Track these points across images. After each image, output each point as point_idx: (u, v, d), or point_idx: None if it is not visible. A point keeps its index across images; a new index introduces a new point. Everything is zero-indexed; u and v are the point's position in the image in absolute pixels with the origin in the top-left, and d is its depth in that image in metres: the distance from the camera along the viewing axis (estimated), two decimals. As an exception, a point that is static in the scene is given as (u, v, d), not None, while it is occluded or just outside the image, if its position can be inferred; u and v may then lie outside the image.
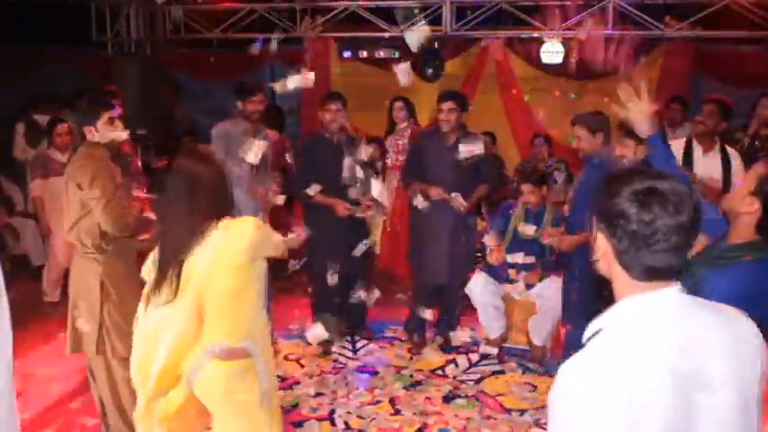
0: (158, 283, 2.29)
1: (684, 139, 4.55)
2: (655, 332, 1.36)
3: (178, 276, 2.26)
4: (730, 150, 4.49)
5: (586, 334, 1.42)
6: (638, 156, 3.37)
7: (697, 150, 4.44)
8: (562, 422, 1.35)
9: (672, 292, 1.39)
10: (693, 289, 1.81)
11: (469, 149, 4.53)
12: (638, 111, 2.61)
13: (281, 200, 4.75)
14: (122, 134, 3.38)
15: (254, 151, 4.32)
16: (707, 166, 4.34)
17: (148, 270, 2.42)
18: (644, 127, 2.63)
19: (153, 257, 2.39)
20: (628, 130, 3.40)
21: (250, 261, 2.32)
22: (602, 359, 1.35)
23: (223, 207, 2.34)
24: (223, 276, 2.26)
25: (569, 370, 1.36)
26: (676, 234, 1.34)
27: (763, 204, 1.98)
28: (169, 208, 2.33)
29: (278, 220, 5.93)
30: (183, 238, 2.26)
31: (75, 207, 3.25)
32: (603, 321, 1.41)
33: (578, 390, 1.32)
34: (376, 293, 4.82)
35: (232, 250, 2.25)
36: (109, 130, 3.28)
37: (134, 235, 3.35)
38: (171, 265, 2.26)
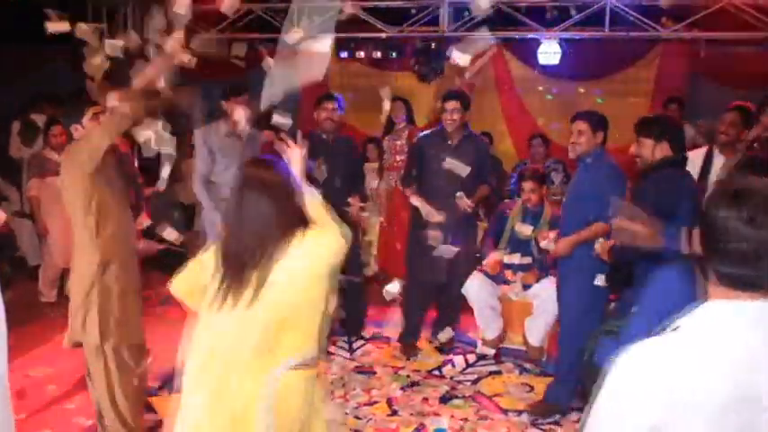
0: (229, 289, 2.19)
1: (705, 150, 4.48)
2: (722, 341, 1.33)
3: (241, 283, 2.19)
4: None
5: (666, 328, 1.41)
6: (656, 156, 3.30)
7: (718, 159, 4.36)
8: (607, 401, 1.39)
9: (756, 306, 1.33)
10: None
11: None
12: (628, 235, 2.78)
13: None
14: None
15: None
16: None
17: (207, 272, 2.29)
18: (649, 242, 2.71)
19: (213, 260, 2.27)
20: (646, 129, 3.35)
21: (331, 271, 2.27)
22: (659, 351, 1.36)
23: (298, 215, 2.26)
24: (311, 286, 2.21)
25: (629, 353, 1.38)
26: (745, 242, 1.30)
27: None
28: (244, 217, 2.22)
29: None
30: (262, 247, 2.17)
31: (75, 199, 3.23)
32: (682, 319, 1.40)
33: (629, 373, 1.37)
34: None
35: (321, 260, 2.20)
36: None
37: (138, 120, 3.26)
38: (242, 272, 2.17)
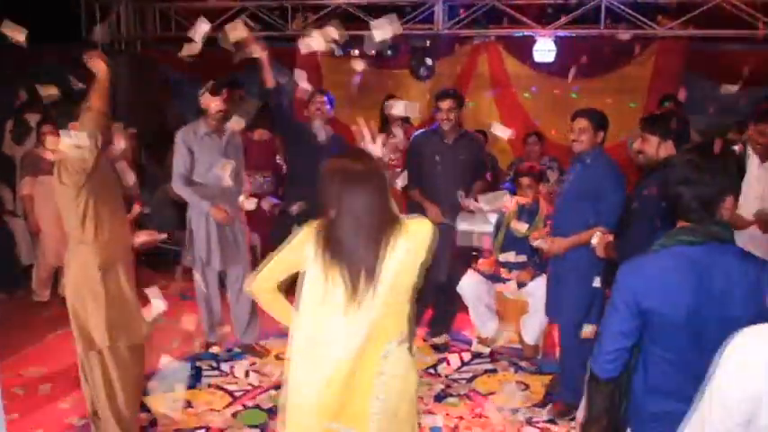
0: (356, 290, 2.22)
1: (737, 148, 4.29)
2: None
3: (356, 276, 2.23)
4: None
5: None
6: (660, 154, 3.20)
7: (753, 160, 4.22)
8: (729, 368, 1.58)
9: None
10: None
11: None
12: None
13: (251, 204, 4.68)
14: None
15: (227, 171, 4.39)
16: (762, 177, 4.15)
17: (297, 266, 2.33)
18: None
19: (309, 254, 2.28)
20: (651, 126, 3.28)
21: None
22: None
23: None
24: (415, 273, 2.29)
25: (744, 333, 1.58)
26: None
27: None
28: (350, 211, 2.24)
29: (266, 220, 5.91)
30: (375, 239, 2.22)
31: (70, 205, 3.19)
32: None
33: (739, 349, 1.58)
34: None
35: (422, 249, 2.27)
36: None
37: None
38: (368, 270, 2.21)
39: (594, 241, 3.52)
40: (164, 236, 3.62)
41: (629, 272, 2.07)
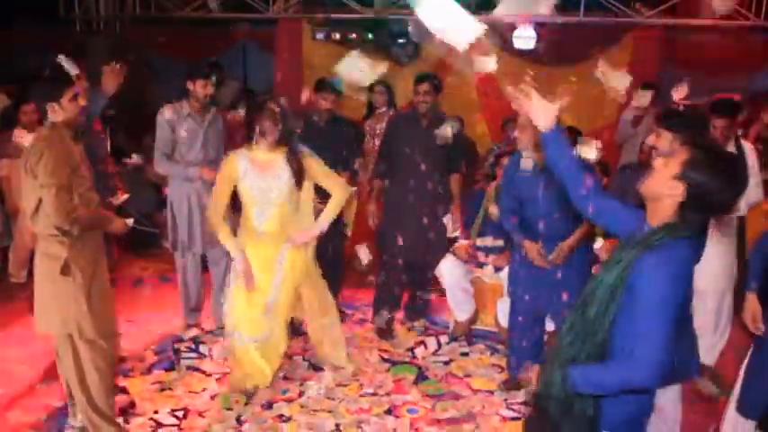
0: None
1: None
2: None
3: None
4: (746, 144, 4.15)
5: None
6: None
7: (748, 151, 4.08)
8: None
9: None
10: (623, 274, 2.00)
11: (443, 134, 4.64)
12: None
13: None
14: None
15: None
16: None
17: None
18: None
19: None
20: (667, 121, 3.11)
21: None
22: None
23: None
24: None
25: None
26: None
27: (686, 188, 2.02)
28: None
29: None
30: None
31: (34, 193, 3.15)
32: None
33: None
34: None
35: None
36: (73, 107, 3.22)
37: (85, 229, 3.21)
38: None
39: (598, 245, 3.43)
40: (130, 220, 3.57)
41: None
